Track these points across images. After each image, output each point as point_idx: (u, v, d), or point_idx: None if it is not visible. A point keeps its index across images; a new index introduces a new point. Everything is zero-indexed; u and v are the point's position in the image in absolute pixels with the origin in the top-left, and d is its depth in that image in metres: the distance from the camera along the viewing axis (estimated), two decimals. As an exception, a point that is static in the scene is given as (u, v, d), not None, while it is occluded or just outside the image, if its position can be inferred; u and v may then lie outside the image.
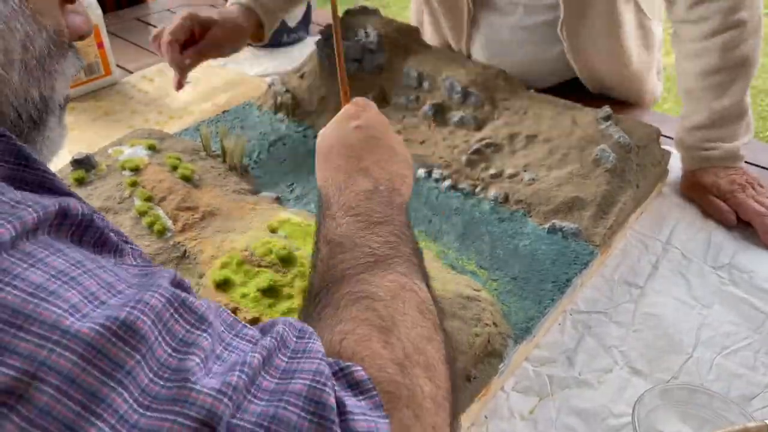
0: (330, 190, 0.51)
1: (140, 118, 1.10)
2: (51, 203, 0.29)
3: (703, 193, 0.86)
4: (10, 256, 0.26)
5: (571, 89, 1.11)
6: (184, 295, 0.30)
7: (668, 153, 0.89)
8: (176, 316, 0.29)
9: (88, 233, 0.31)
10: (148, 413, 0.25)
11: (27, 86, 0.34)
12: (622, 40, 1.04)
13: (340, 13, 1.11)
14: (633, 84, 1.11)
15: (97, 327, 0.25)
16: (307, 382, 0.30)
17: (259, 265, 0.65)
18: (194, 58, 0.91)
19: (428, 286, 0.44)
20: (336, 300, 0.39)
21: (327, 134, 0.57)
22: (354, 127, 0.55)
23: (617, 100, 1.12)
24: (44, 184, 0.32)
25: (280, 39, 1.36)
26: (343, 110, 0.59)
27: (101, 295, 0.27)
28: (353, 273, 0.41)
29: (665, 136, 0.92)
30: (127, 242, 0.35)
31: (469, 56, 1.18)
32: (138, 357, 0.26)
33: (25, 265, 0.26)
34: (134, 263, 0.33)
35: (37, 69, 0.34)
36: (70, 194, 0.33)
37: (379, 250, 0.43)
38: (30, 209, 0.27)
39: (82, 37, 0.38)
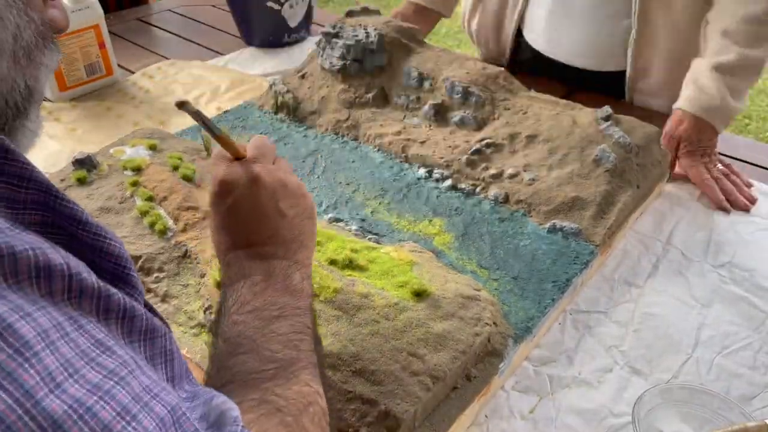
0: (225, 279, 0.48)
1: (141, 118, 1.10)
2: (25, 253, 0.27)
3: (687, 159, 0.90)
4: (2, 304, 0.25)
5: (610, 87, 1.10)
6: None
7: (668, 153, 0.89)
8: None
9: (85, 296, 0.29)
10: None
11: (14, 74, 0.34)
12: (699, 30, 0.99)
13: (341, 14, 1.12)
14: (677, 74, 1.05)
15: None
16: None
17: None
18: None
19: (320, 362, 0.45)
20: (245, 406, 0.38)
21: (211, 215, 0.51)
22: (217, 203, 0.49)
23: (649, 109, 1.10)
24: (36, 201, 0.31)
25: (281, 39, 1.36)
26: (210, 185, 0.51)
27: (78, 369, 0.26)
28: (259, 380, 0.41)
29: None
30: (133, 286, 0.34)
31: (519, 31, 1.18)
32: None
33: (17, 317, 0.25)
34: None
35: (25, 58, 0.35)
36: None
37: (282, 354, 0.42)
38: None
39: (59, 31, 0.39)
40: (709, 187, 0.87)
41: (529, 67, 1.19)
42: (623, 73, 1.10)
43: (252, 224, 0.49)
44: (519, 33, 1.20)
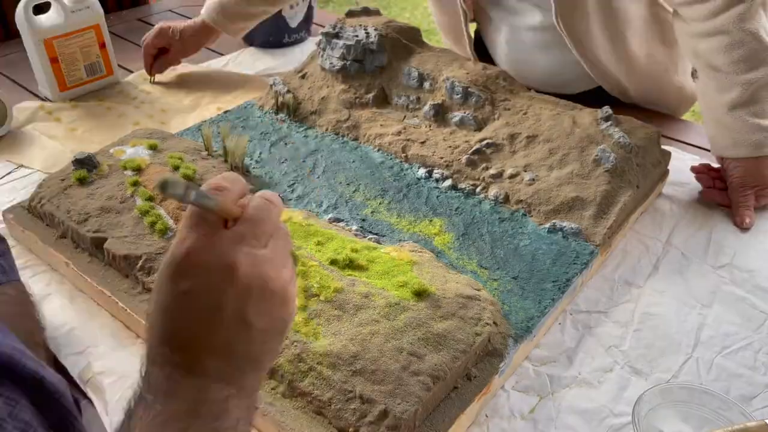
0: (140, 394, 0.36)
1: (142, 118, 1.10)
2: None
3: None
4: None
5: (601, 98, 1.08)
6: None
7: (668, 153, 0.89)
8: None
9: None
10: None
11: None
12: (625, 35, 1.00)
13: (341, 14, 1.12)
14: (650, 84, 1.07)
15: None
16: None
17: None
18: (161, 68, 1.23)
19: None
20: None
21: (154, 290, 0.38)
22: (179, 295, 0.36)
23: (643, 107, 1.09)
24: None
25: (282, 39, 1.36)
26: (174, 244, 0.38)
27: None
28: None
29: (666, 137, 0.92)
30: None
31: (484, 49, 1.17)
32: None
33: None
34: None
35: None
36: None
37: None
38: None
39: None
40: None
41: None
42: (598, 89, 1.10)
43: (201, 327, 0.36)
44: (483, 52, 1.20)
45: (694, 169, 0.91)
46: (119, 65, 1.24)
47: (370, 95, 0.99)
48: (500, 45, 1.13)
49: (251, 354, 0.38)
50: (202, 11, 1.19)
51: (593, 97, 1.07)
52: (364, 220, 0.79)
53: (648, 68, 1.05)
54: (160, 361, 0.36)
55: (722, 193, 0.87)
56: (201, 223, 0.37)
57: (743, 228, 0.83)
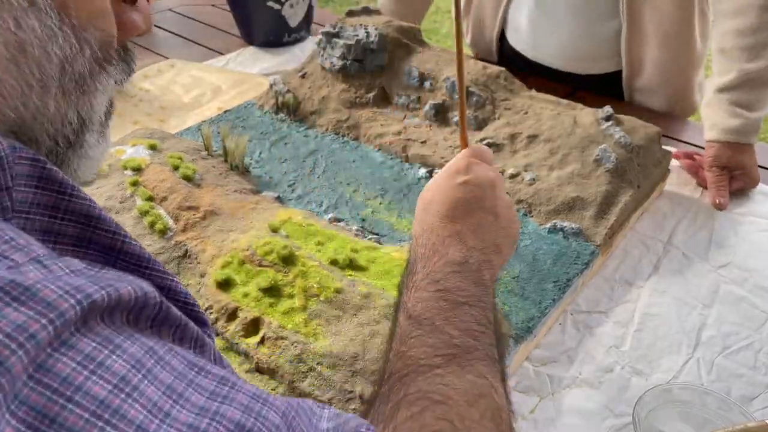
0: (419, 251, 0.48)
1: (142, 118, 1.10)
2: (125, 289, 0.26)
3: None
4: (90, 340, 0.24)
5: (606, 87, 1.08)
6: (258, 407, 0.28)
7: (669, 153, 0.89)
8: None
9: (166, 324, 0.29)
10: None
11: (65, 110, 0.31)
12: (690, 22, 0.98)
13: (341, 14, 1.11)
14: (672, 74, 1.05)
15: None
16: None
17: (261, 265, 0.65)
18: None
19: (504, 381, 0.42)
20: (409, 398, 0.37)
21: (431, 185, 0.54)
22: (458, 183, 0.51)
23: (642, 106, 1.09)
24: (103, 243, 0.30)
25: (282, 39, 1.36)
26: (453, 161, 0.54)
27: (181, 393, 0.25)
28: (429, 365, 0.39)
29: (666, 137, 0.92)
30: (203, 323, 0.33)
31: (502, 35, 1.15)
32: None
33: (106, 352, 0.24)
34: (212, 359, 0.31)
35: (76, 90, 0.31)
36: (138, 265, 0.31)
37: (460, 340, 0.41)
38: (101, 290, 0.25)
39: (139, 35, 0.35)
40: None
41: (517, 73, 1.18)
42: (613, 75, 1.09)
43: (467, 207, 0.50)
44: (504, 37, 1.18)
45: (676, 156, 0.93)
46: (119, 65, 1.24)
47: (371, 95, 0.99)
48: (525, 4, 1.10)
49: (495, 238, 0.50)
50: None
51: (601, 83, 1.07)
52: (364, 220, 0.79)
53: (679, 55, 1.03)
54: (438, 230, 0.49)
55: (695, 164, 0.91)
56: (477, 153, 0.54)
57: (718, 208, 0.85)
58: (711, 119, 0.89)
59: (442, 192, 0.51)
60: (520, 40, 1.14)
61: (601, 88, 1.09)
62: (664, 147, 0.89)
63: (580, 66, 1.09)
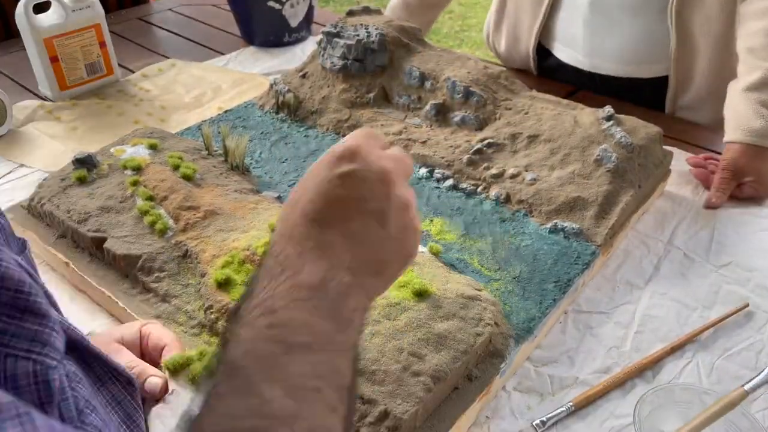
0: (268, 263, 0.37)
1: (142, 117, 1.10)
2: None
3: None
4: None
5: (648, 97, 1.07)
6: None
7: (670, 153, 0.89)
8: None
9: None
10: None
11: None
12: (733, 23, 0.96)
13: (341, 13, 1.11)
14: (716, 83, 1.02)
15: None
16: None
17: (261, 265, 0.65)
18: None
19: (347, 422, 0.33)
20: None
21: (307, 174, 0.41)
22: (337, 175, 0.39)
23: (683, 119, 1.08)
24: None
25: (282, 38, 1.36)
26: (338, 143, 0.41)
27: None
28: None
29: (667, 137, 0.92)
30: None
31: (542, 49, 1.15)
32: None
33: None
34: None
35: None
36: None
37: (277, 405, 0.30)
38: None
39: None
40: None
41: (559, 86, 1.15)
42: (662, 81, 1.07)
43: (345, 209, 0.39)
44: (542, 52, 1.18)
45: (689, 161, 0.92)
46: (119, 65, 1.24)
47: (371, 95, 0.99)
48: (578, 11, 1.09)
49: (378, 253, 0.39)
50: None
51: (656, 85, 1.07)
52: (364, 219, 0.79)
53: (724, 64, 1.01)
54: (297, 237, 0.38)
55: (706, 173, 0.89)
56: (370, 136, 0.42)
57: (708, 205, 0.85)
58: (735, 120, 0.86)
59: (316, 185, 0.39)
60: (570, 51, 1.14)
61: (645, 98, 1.09)
62: (665, 147, 0.88)
63: (636, 69, 1.08)
